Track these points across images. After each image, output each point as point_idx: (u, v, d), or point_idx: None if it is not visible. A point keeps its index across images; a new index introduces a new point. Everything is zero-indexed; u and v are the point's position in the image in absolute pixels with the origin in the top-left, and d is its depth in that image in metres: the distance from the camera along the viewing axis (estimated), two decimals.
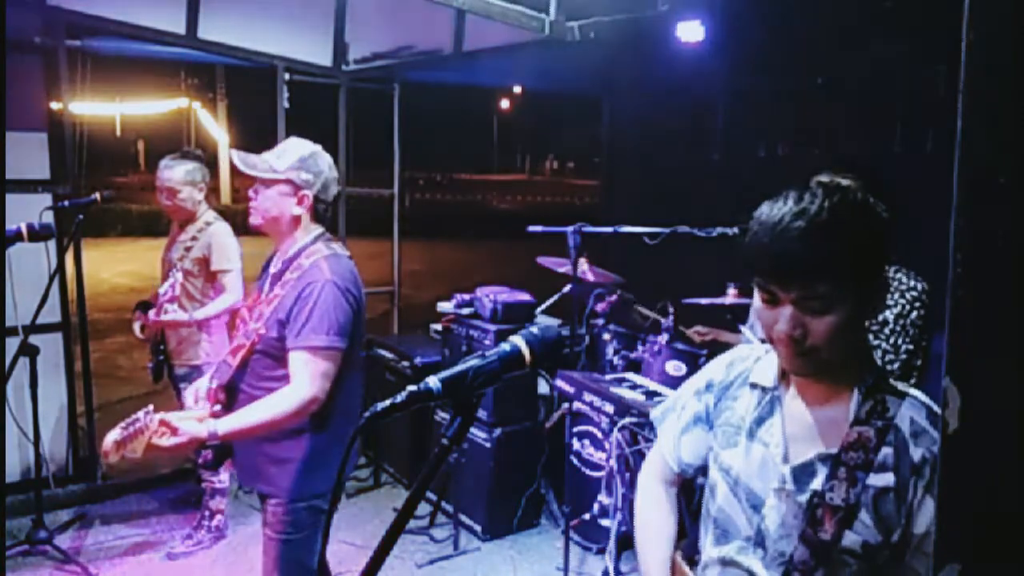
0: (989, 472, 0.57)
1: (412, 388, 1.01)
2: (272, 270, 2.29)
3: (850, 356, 1.19)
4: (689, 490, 2.67)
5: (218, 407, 2.19)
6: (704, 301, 3.47)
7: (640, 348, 3.84)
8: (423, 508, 4.04)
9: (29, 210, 3.43)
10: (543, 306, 4.38)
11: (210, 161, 3.86)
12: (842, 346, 1.14)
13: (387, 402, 1.00)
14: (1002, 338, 0.56)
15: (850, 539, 1.14)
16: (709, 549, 1.33)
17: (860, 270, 1.10)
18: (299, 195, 2.21)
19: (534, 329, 1.12)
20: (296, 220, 2.23)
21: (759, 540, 1.24)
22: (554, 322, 4.26)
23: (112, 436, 1.94)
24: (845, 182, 1.16)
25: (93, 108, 16.35)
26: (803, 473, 1.20)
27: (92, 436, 4.30)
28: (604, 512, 3.49)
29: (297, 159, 2.20)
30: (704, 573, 1.34)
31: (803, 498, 1.19)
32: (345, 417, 2.26)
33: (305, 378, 2.08)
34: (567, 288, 3.83)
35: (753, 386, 1.31)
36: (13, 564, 3.51)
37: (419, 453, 4.39)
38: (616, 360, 3.97)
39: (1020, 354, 0.55)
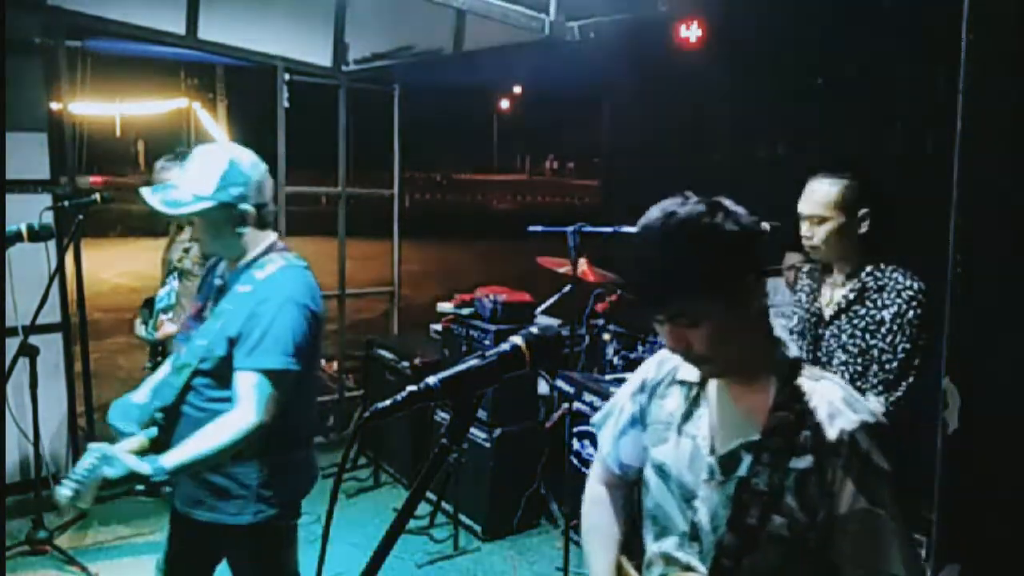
0: (989, 472, 0.57)
1: (412, 388, 1.01)
2: (217, 282, 2.10)
3: (754, 350, 1.24)
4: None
5: (155, 429, 2.01)
6: None
7: (640, 348, 3.84)
8: (423, 508, 4.03)
9: (29, 210, 3.42)
10: (543, 306, 4.37)
11: None
12: (734, 347, 1.20)
13: (387, 402, 1.00)
14: (1002, 338, 0.56)
15: (776, 523, 1.18)
16: (650, 545, 1.37)
17: (708, 283, 1.15)
18: (238, 212, 1.98)
19: (534, 329, 1.12)
20: (246, 237, 2.03)
21: (694, 534, 1.27)
22: (554, 322, 4.26)
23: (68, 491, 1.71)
24: (686, 208, 1.19)
25: (93, 108, 16.34)
26: (729, 462, 1.24)
27: (92, 436, 4.30)
28: None
29: (219, 177, 1.95)
30: (649, 570, 1.37)
31: (731, 487, 1.23)
32: (296, 441, 2.10)
33: (252, 403, 1.89)
34: (567, 288, 3.83)
35: (681, 383, 1.36)
36: (13, 564, 3.51)
37: (419, 453, 4.38)
38: (616, 360, 3.97)
39: (1020, 354, 0.55)
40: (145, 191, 1.98)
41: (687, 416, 1.32)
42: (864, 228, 2.19)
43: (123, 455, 1.80)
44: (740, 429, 1.24)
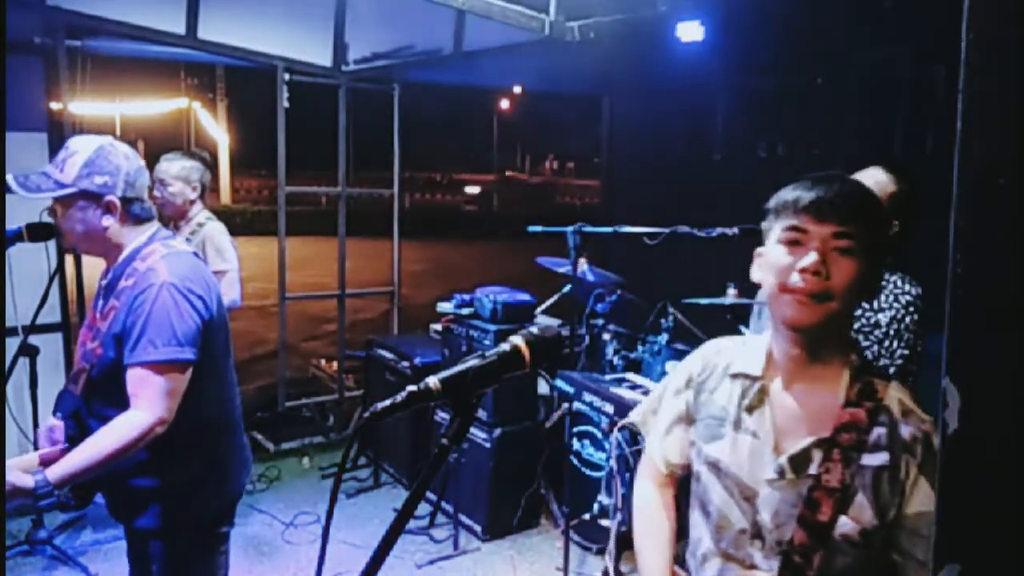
0: (989, 472, 0.57)
1: (412, 388, 1.01)
2: (103, 282, 2.00)
3: (844, 332, 1.25)
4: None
5: (66, 444, 1.91)
6: (704, 301, 3.47)
7: (640, 348, 3.84)
8: (423, 508, 4.04)
9: (29, 210, 3.42)
10: (543, 306, 4.37)
11: (211, 163, 3.85)
12: (848, 304, 1.19)
13: (387, 402, 0.99)
14: (1002, 338, 0.56)
15: (847, 525, 1.16)
16: (704, 540, 1.34)
17: (880, 230, 1.20)
18: (104, 203, 1.89)
19: (534, 329, 1.11)
20: (114, 231, 1.93)
21: (756, 531, 1.24)
22: (554, 322, 4.26)
23: None
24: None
25: (93, 108, 16.35)
26: (801, 460, 1.21)
27: None
28: (604, 512, 3.49)
29: (83, 164, 1.87)
30: (704, 568, 1.34)
31: (802, 484, 1.20)
32: (218, 432, 2.04)
33: (144, 399, 1.80)
34: (567, 288, 3.83)
35: (735, 376, 1.32)
36: (13, 564, 3.51)
37: (419, 453, 4.38)
38: (616, 360, 3.97)
39: (1020, 354, 0.55)
40: (9, 176, 1.87)
41: (748, 411, 1.28)
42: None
43: (10, 470, 1.70)
44: (809, 425, 1.22)
